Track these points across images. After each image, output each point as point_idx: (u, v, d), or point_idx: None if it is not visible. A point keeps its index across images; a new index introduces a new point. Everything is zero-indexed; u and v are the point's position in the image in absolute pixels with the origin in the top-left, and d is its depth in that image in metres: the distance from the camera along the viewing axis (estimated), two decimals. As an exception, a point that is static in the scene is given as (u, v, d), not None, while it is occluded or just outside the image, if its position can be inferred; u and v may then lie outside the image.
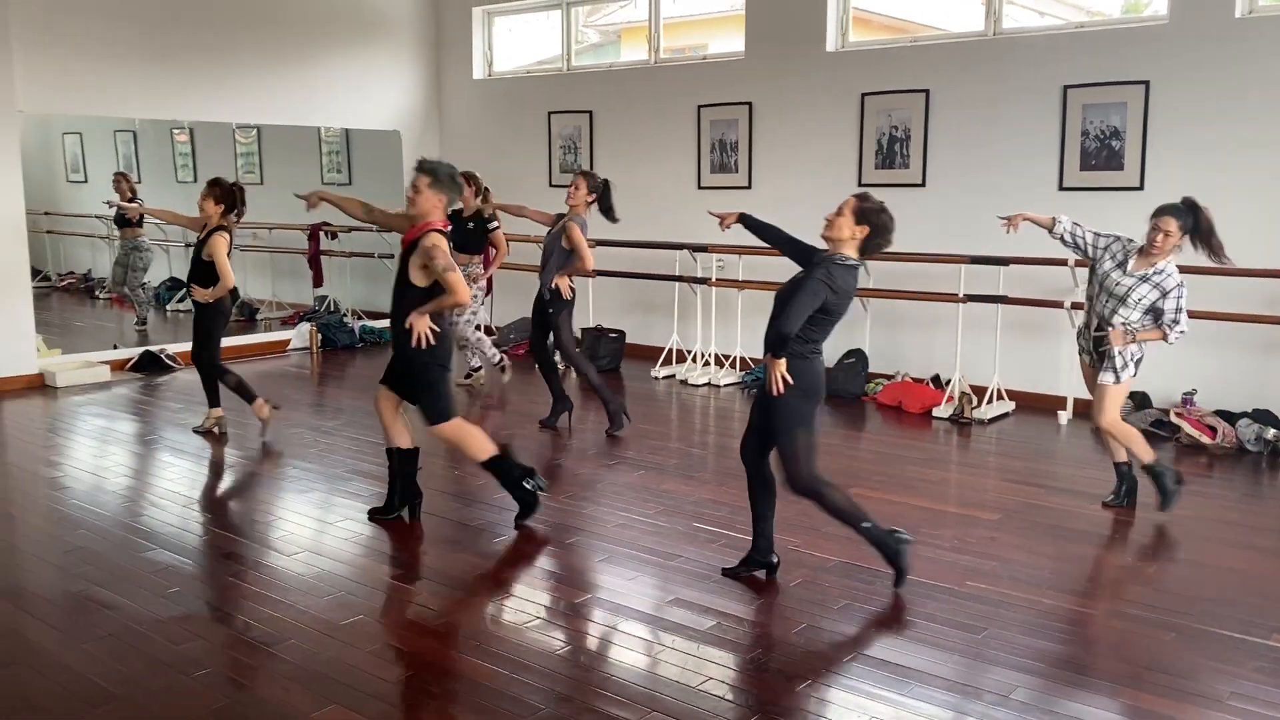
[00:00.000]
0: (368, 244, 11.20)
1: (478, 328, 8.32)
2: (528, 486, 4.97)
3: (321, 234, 11.06)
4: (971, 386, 7.51)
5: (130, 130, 13.22)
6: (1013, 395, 7.58)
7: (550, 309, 6.83)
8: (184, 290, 12.81)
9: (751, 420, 4.46)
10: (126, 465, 6.33)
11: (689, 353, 8.86)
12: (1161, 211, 4.89)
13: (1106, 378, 5.08)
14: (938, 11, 8.69)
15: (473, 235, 7.88)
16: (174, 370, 9.02)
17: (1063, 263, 7.10)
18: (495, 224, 7.92)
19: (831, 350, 8.30)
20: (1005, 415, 7.39)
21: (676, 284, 8.84)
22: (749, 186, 8.93)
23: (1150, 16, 7.34)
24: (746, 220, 4.85)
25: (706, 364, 8.76)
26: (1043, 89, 7.46)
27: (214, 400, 6.83)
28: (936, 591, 4.23)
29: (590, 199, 6.78)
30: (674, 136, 9.33)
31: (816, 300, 4.10)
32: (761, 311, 8.62)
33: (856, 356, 8.13)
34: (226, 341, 9.27)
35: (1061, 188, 7.42)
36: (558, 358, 7.17)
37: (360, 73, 10.35)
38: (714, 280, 8.65)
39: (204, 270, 6.56)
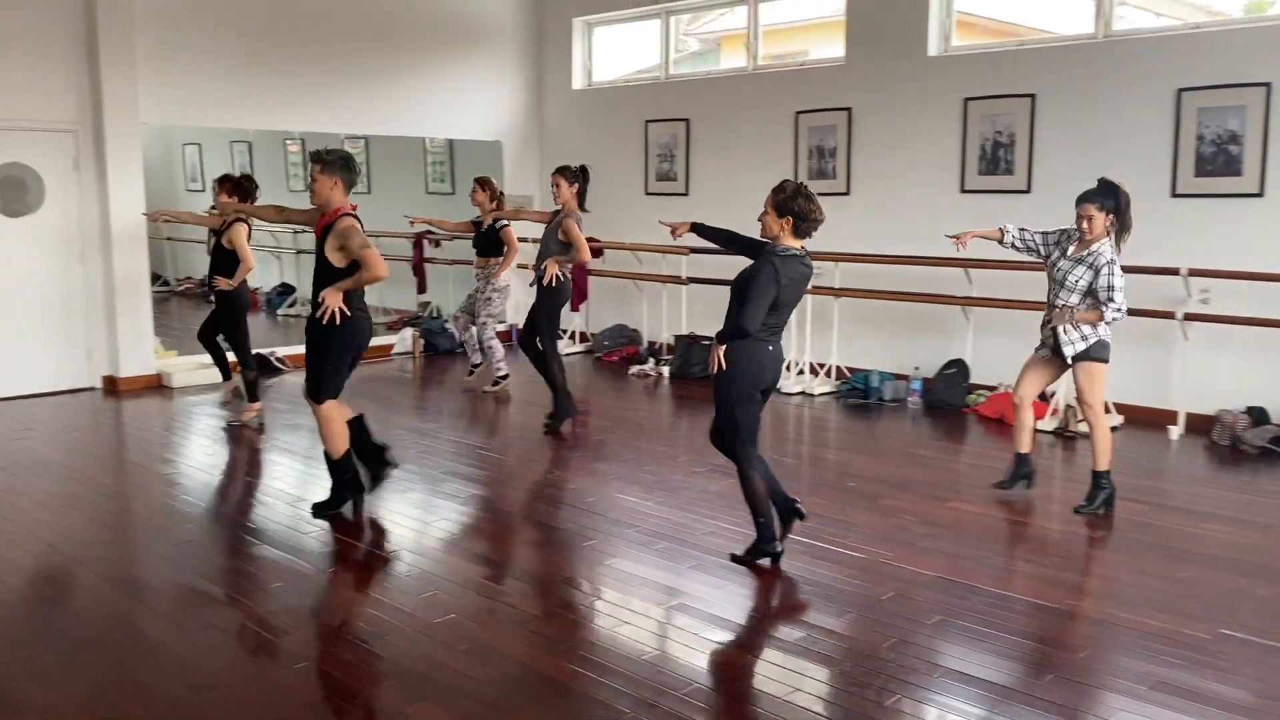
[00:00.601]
0: (470, 252, 11.41)
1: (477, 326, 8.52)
2: (342, 497, 5.24)
3: (425, 242, 11.32)
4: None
5: (246, 140, 13.74)
6: (1121, 409, 7.32)
7: (548, 299, 7.01)
8: (293, 296, 13.33)
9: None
10: (236, 464, 6.56)
11: (794, 364, 8.79)
12: (1081, 199, 5.17)
13: (1067, 350, 5.20)
14: (1044, 14, 8.47)
15: (490, 238, 8.23)
16: (283, 372, 9.32)
17: (1174, 272, 6.84)
18: (503, 223, 8.18)
19: (932, 360, 8.17)
20: (1113, 429, 7.13)
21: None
22: (847, 193, 8.83)
23: (1274, 16, 7.02)
24: (698, 228, 5.02)
25: (801, 373, 8.68)
26: (1156, 92, 7.20)
27: (253, 395, 7.35)
28: (1037, 610, 4.11)
29: (574, 189, 6.99)
30: (771, 143, 9.28)
31: (770, 293, 4.32)
32: (859, 320, 8.56)
33: (957, 367, 7.96)
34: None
35: (1175, 194, 7.15)
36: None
37: (464, 84, 10.57)
38: (810, 288, 8.55)
39: (225, 260, 6.93)
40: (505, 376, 8.45)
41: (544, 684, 3.51)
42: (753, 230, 4.74)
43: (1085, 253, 5.17)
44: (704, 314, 9.50)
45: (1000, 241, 5.53)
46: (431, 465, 6.31)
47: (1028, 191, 7.81)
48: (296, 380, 8.97)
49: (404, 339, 10.49)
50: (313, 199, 5.08)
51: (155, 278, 14.04)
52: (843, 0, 8.79)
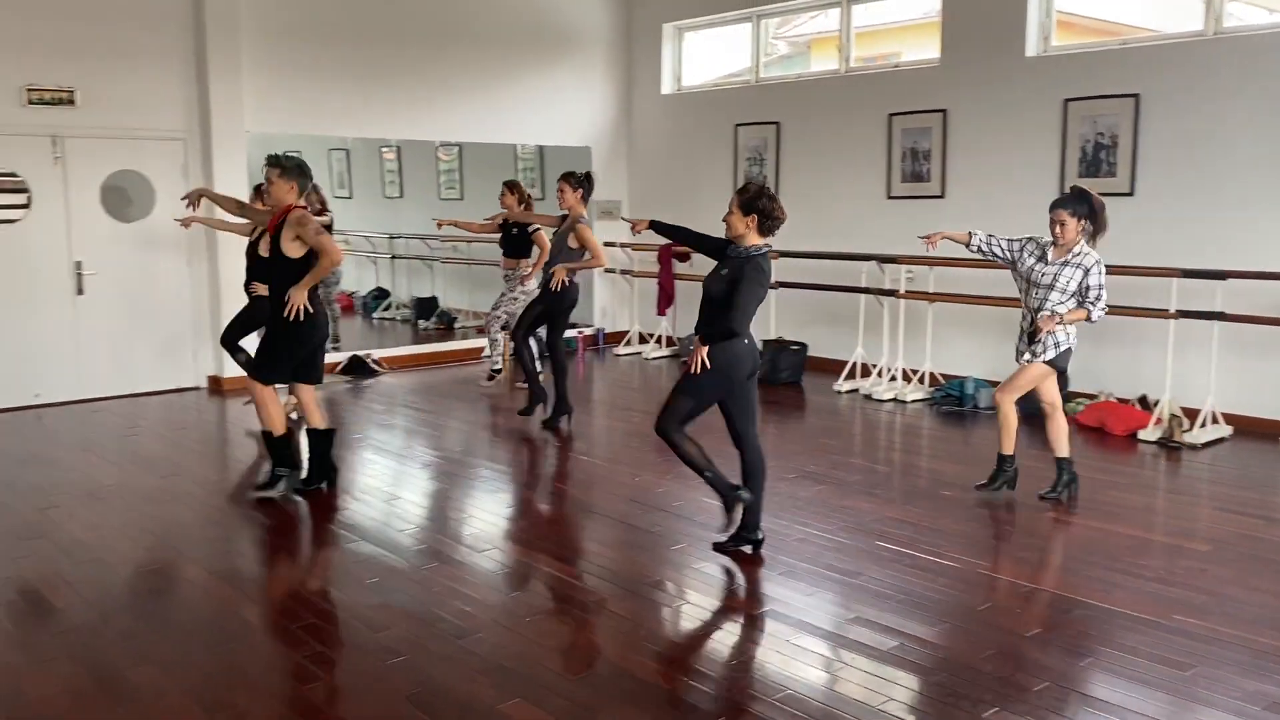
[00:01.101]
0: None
1: (504, 326, 8.52)
2: (280, 473, 5.53)
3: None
4: (1183, 409, 7.03)
5: (344, 149, 14.10)
6: (1230, 419, 7.05)
7: (553, 303, 7.16)
8: (389, 299, 13.61)
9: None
10: (334, 461, 6.71)
11: (874, 367, 8.68)
12: (1054, 205, 5.42)
13: (1025, 357, 5.46)
14: (1149, 12, 8.22)
15: (518, 240, 8.33)
16: (379, 374, 9.52)
17: (1290, 277, 6.58)
18: (536, 227, 8.21)
19: (1027, 367, 7.97)
20: (1220, 440, 6.88)
21: (863, 296, 8.67)
22: (942, 195, 8.68)
23: (1397, 8, 6.70)
24: (656, 225, 5.24)
25: (893, 379, 8.55)
26: (1270, 91, 6.93)
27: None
28: (1140, 624, 3.98)
29: (578, 193, 7.13)
30: (863, 146, 9.18)
31: (761, 294, 4.60)
32: (953, 324, 8.40)
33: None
34: (421, 349, 9.76)
35: (1290, 196, 6.87)
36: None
37: (554, 91, 10.68)
38: (903, 292, 8.45)
39: (263, 266, 6.93)
40: (499, 371, 8.64)
41: (634, 684, 3.52)
42: (712, 228, 4.91)
43: (1070, 254, 5.35)
44: (792, 318, 9.45)
45: (967, 245, 5.69)
46: (521, 466, 6.38)
47: (1131, 194, 7.58)
48: (392, 381, 9.17)
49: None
50: (268, 200, 5.50)
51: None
52: (937, 1, 8.66)
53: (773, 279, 4.73)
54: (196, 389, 8.76)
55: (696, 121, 10.67)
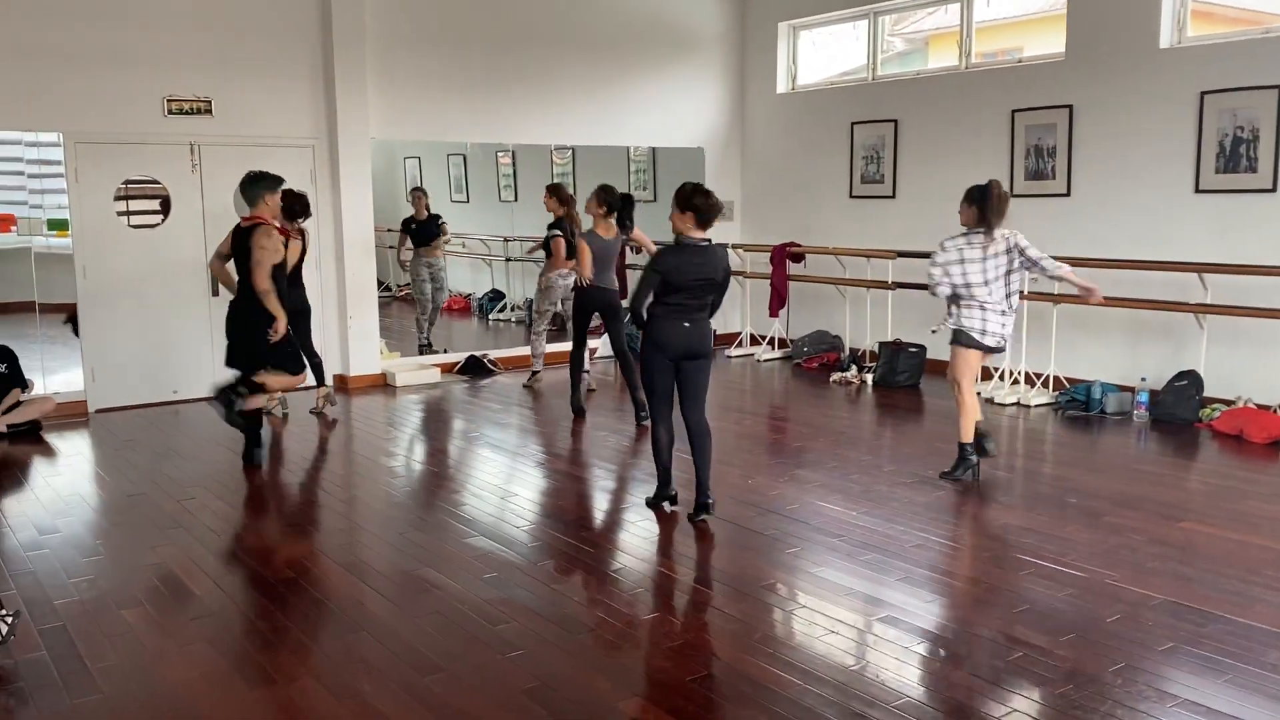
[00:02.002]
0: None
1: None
2: (235, 394, 6.14)
3: (627, 249, 11.51)
4: (1329, 416, 6.66)
5: (461, 153, 14.41)
6: (1382, 427, 6.65)
7: (596, 311, 7.60)
8: (503, 301, 13.86)
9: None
10: (452, 458, 6.89)
11: (995, 370, 8.45)
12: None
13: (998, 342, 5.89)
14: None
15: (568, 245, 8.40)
16: (495, 374, 9.71)
17: None
18: (555, 233, 8.40)
19: (1160, 370, 7.67)
20: (1372, 449, 6.49)
21: (984, 298, 8.43)
22: (1067, 194, 8.40)
23: None
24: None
25: (1016, 382, 8.32)
26: None
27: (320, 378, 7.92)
28: (1282, 641, 3.79)
29: (601, 210, 7.54)
30: (985, 143, 8.95)
31: (651, 279, 5.07)
32: (1078, 327, 8.13)
33: (1189, 378, 7.42)
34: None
35: None
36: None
37: (668, 92, 10.72)
38: (1026, 293, 8.19)
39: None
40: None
41: (752, 687, 3.50)
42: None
43: (997, 239, 5.69)
44: (910, 320, 9.26)
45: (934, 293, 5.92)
46: (631, 466, 6.42)
47: (1273, 190, 7.20)
48: (509, 381, 9.33)
49: (607, 343, 10.71)
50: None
51: (379, 284, 14.99)
52: (1063, -7, 8.39)
53: (715, 266, 5.17)
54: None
55: (811, 121, 10.56)
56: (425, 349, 10.48)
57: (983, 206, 5.66)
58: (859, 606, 4.20)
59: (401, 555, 4.87)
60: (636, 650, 3.81)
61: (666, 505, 5.44)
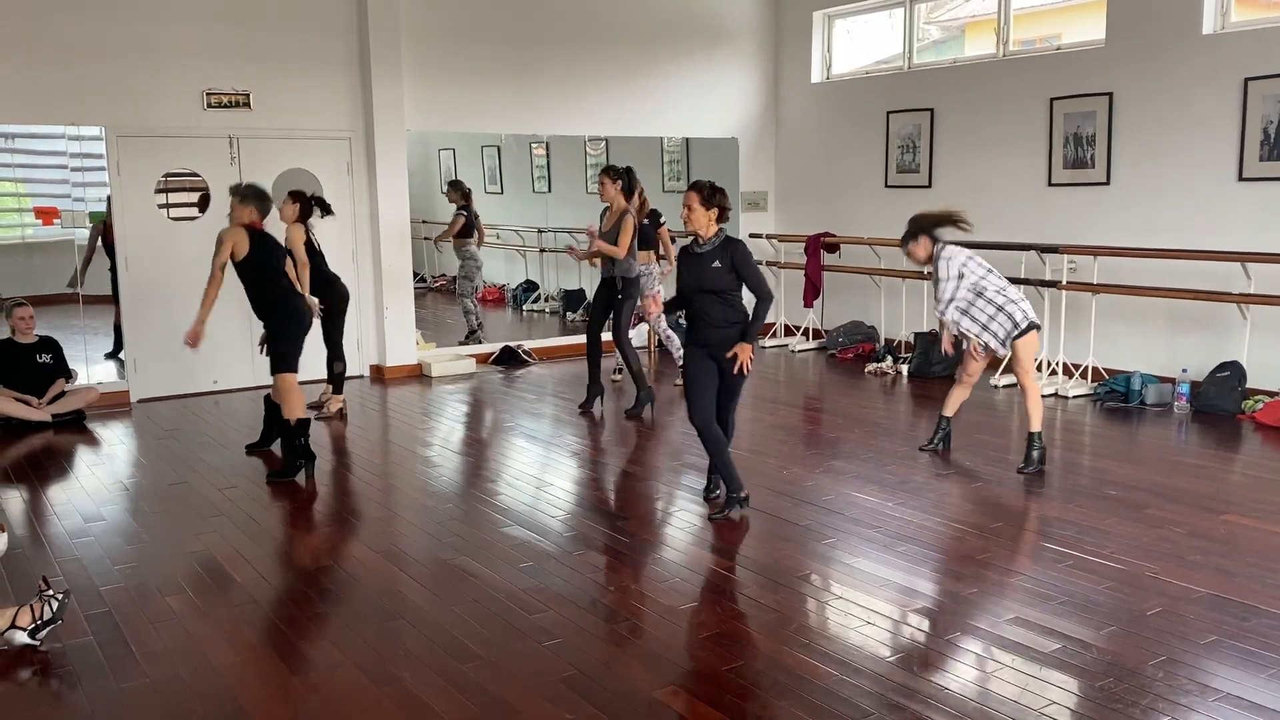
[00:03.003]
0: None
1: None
2: (298, 464, 5.96)
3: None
4: (1377, 407, 6.55)
5: (495, 145, 14.45)
6: None
7: (620, 294, 7.44)
8: (537, 291, 13.91)
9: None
10: (487, 447, 6.93)
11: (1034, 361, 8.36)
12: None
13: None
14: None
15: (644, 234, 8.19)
16: (529, 365, 9.75)
17: None
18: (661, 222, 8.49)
19: (1201, 361, 7.57)
20: None
21: (1021, 287, 8.32)
22: (1106, 182, 8.30)
23: None
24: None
25: (1054, 373, 8.24)
26: None
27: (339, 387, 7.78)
28: (1328, 636, 3.74)
29: (617, 184, 7.40)
30: (1023, 132, 8.86)
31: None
32: (1118, 317, 8.03)
33: (1231, 369, 7.31)
34: (569, 340, 9.90)
35: None
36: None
37: (701, 83, 10.69)
38: (1064, 283, 8.12)
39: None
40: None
41: (789, 677, 3.51)
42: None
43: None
44: (946, 311, 9.18)
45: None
46: (666, 457, 6.43)
47: (1319, 178, 7.08)
48: (542, 371, 9.37)
49: (640, 333, 10.72)
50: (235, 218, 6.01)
51: (414, 275, 15.07)
52: (1104, -21, 8.28)
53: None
54: (361, 377, 9.15)
55: (846, 110, 10.50)
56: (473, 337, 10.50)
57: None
58: (895, 598, 4.18)
59: (439, 544, 4.91)
60: (673, 640, 3.82)
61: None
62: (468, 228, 11.12)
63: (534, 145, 14.03)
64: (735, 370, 4.98)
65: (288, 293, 6.15)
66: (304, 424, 6.05)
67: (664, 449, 6.72)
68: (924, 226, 5.91)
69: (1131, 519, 5.06)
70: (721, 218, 5.02)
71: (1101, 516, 5.09)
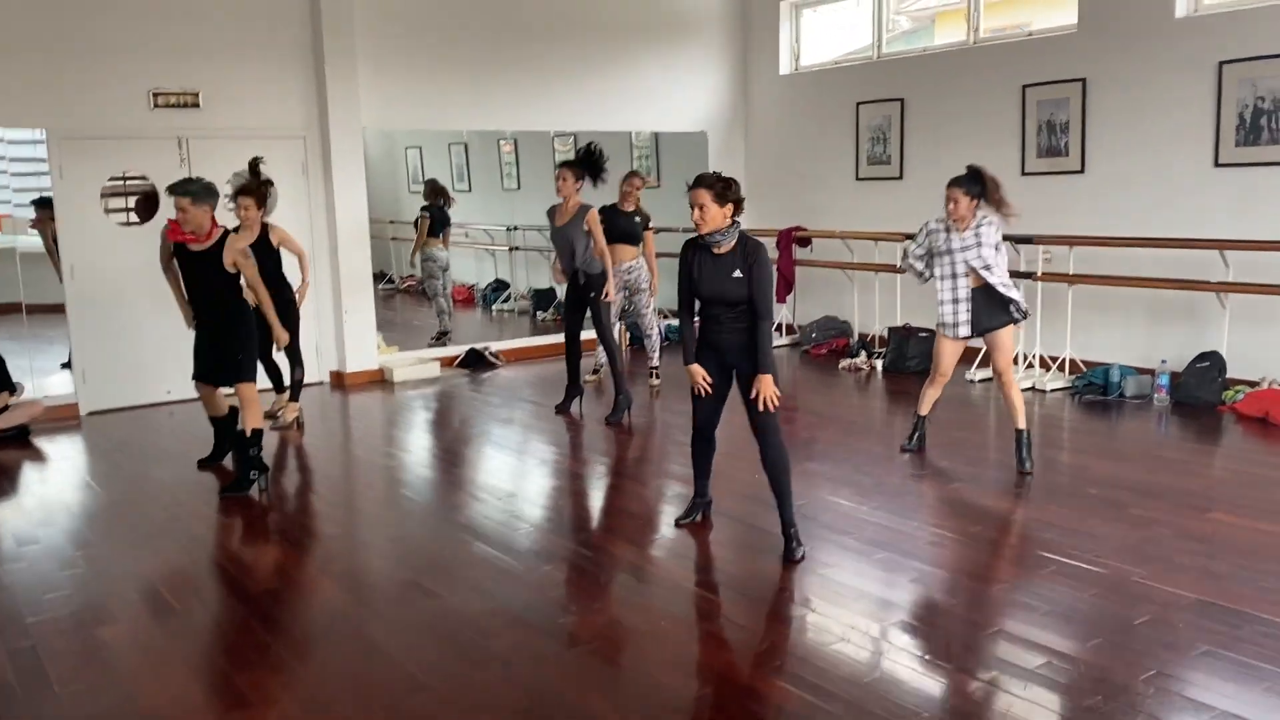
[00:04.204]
0: (675, 244, 11.30)
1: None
2: (253, 476, 5.69)
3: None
4: (1360, 396, 6.40)
5: (462, 142, 14.18)
6: None
7: (592, 292, 7.15)
8: (507, 291, 13.66)
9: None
10: (451, 457, 6.67)
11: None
12: (950, 184, 5.59)
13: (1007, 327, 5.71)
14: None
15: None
16: (496, 367, 9.50)
17: None
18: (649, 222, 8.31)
19: (1181, 352, 7.42)
20: (1405, 431, 6.24)
21: (996, 280, 8.17)
22: (1081, 170, 8.13)
23: None
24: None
25: (1030, 366, 8.07)
26: None
27: (295, 395, 7.40)
28: (1323, 643, 3.56)
29: (579, 186, 7.15)
30: (995, 120, 8.68)
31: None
32: (1095, 308, 7.86)
33: (1211, 360, 7.16)
34: (539, 340, 9.66)
35: None
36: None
37: (669, 76, 10.46)
38: (1040, 274, 7.95)
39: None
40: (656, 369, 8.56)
41: (758, 703, 3.29)
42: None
43: (976, 225, 5.60)
44: (919, 304, 9.00)
45: (917, 274, 5.92)
46: (640, 464, 6.22)
47: (1297, 162, 6.94)
48: (510, 374, 9.13)
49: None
50: (185, 226, 5.56)
51: (381, 275, 14.79)
52: (1074, -37, 8.11)
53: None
54: (320, 384, 8.88)
55: (816, 101, 10.29)
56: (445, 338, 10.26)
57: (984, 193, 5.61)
58: (871, 611, 3.98)
59: (392, 563, 4.67)
60: (637, 665, 3.60)
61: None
62: (434, 228, 10.85)
63: (501, 142, 13.78)
64: (762, 407, 4.46)
65: (246, 303, 5.85)
66: (259, 434, 5.79)
67: (640, 457, 6.50)
68: (985, 189, 5.57)
69: (1115, 519, 4.88)
70: (737, 212, 4.45)
71: (1084, 517, 4.91)
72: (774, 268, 4.64)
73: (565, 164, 7.25)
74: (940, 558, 4.48)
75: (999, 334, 5.70)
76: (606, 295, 7.21)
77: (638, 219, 8.07)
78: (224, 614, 4.17)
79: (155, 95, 7.89)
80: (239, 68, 8.21)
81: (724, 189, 4.37)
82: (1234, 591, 4.01)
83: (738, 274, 4.43)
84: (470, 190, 14.37)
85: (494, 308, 13.61)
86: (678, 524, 4.99)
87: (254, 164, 6.94)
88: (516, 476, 6.10)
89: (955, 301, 5.70)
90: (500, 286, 14.00)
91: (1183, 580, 4.13)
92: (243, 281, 5.74)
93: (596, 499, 5.68)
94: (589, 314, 7.34)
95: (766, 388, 4.44)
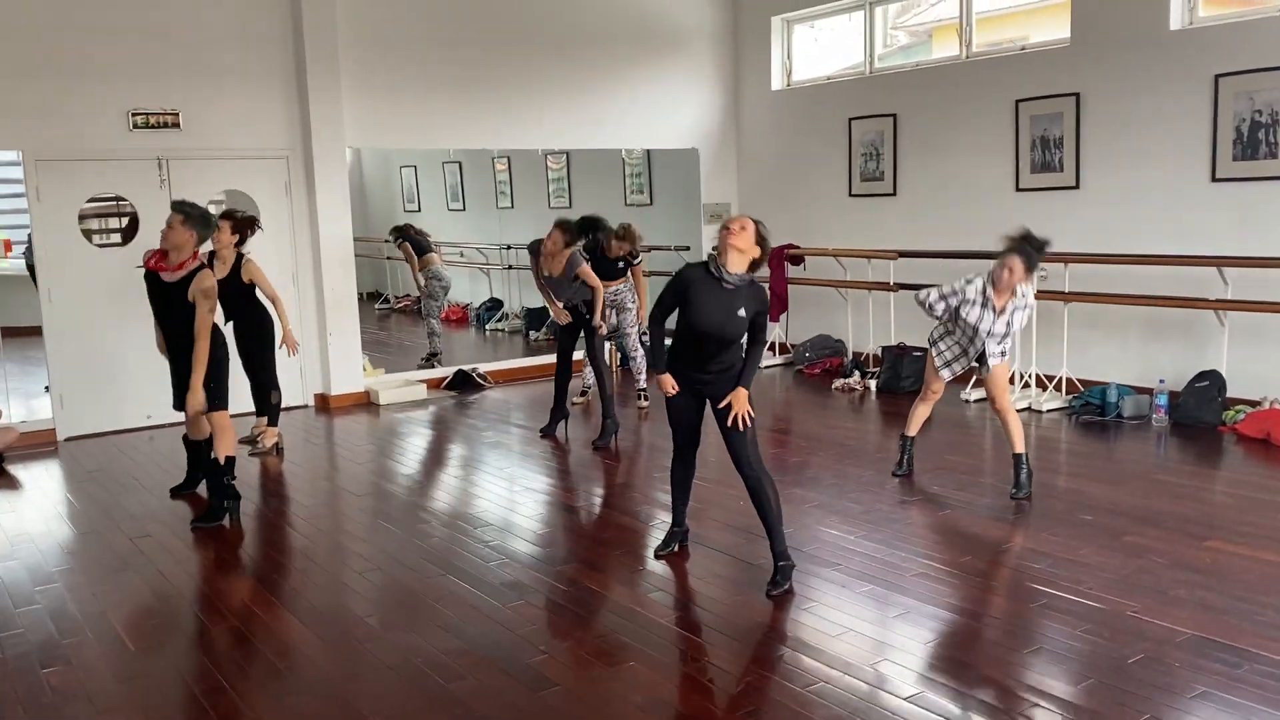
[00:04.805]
0: (667, 263, 11.17)
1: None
2: (225, 505, 5.56)
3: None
4: (1363, 417, 6.23)
5: (457, 161, 14.08)
6: None
7: (588, 315, 7.17)
8: (501, 310, 13.52)
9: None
10: (431, 484, 6.51)
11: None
12: (1009, 250, 5.34)
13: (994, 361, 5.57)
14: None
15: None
16: (485, 389, 9.35)
17: None
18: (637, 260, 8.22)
19: (1180, 371, 7.25)
20: None
21: (991, 298, 8.01)
22: (1076, 186, 7.99)
23: None
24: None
25: (1026, 385, 7.90)
26: None
27: (274, 419, 7.28)
28: (1327, 683, 3.38)
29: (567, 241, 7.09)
30: (989, 135, 8.55)
31: None
32: (1092, 326, 7.70)
33: (1210, 379, 6.99)
34: (530, 361, 9.53)
35: None
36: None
37: (660, 93, 10.35)
38: (1035, 293, 7.78)
39: (236, 300, 6.87)
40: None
41: (727, 753, 3.13)
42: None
43: (1016, 297, 5.46)
44: (913, 323, 8.84)
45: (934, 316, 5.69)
46: (627, 492, 6.05)
47: (1295, 177, 6.78)
48: (499, 396, 8.97)
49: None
50: (164, 241, 5.47)
51: (377, 295, 14.68)
52: (1067, -23, 7.98)
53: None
54: (305, 406, 8.73)
55: (808, 117, 10.17)
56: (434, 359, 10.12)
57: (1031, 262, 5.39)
58: (854, 651, 3.80)
59: (361, 599, 4.50)
60: (604, 709, 3.43)
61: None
62: (419, 248, 10.72)
63: (495, 161, 13.67)
64: (731, 423, 4.31)
65: (217, 329, 5.71)
66: (232, 462, 5.64)
67: (625, 483, 6.34)
68: (1034, 261, 5.39)
69: (1109, 548, 4.71)
70: (762, 258, 4.36)
71: (1077, 546, 4.74)
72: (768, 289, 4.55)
73: (562, 225, 7.11)
74: (927, 591, 4.31)
75: (993, 374, 5.59)
76: (598, 325, 7.13)
77: (621, 264, 8.00)
78: (181, 656, 4.00)
79: (134, 115, 7.78)
80: (220, 87, 8.09)
81: (761, 233, 4.35)
82: (1232, 627, 3.84)
83: (741, 313, 4.31)
84: (465, 209, 14.27)
85: (487, 327, 13.47)
86: (657, 555, 4.84)
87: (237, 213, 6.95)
88: (496, 505, 5.93)
89: (962, 356, 5.68)
90: (495, 305, 13.88)
91: (1178, 615, 3.95)
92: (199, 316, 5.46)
93: (576, 529, 5.51)
94: (583, 334, 7.24)
95: (742, 402, 4.31)
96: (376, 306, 15.73)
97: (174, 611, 4.45)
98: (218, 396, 5.64)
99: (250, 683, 3.72)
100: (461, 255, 14.35)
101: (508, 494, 6.13)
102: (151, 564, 4.99)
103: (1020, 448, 5.54)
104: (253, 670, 3.83)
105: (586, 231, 7.40)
